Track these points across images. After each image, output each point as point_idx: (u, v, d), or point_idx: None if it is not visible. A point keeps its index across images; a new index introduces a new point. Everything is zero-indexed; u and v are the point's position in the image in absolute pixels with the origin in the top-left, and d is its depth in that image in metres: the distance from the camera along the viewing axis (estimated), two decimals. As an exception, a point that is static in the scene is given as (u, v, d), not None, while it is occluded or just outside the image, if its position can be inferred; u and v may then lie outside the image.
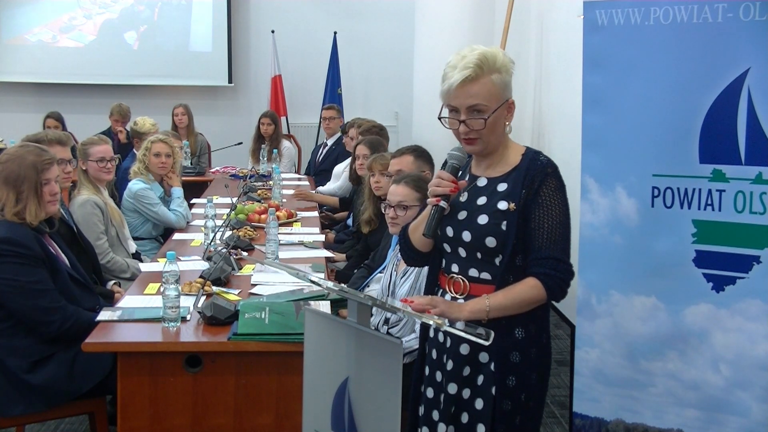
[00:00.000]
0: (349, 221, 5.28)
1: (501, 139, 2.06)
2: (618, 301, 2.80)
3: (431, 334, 2.19)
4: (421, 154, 3.81)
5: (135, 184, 4.62)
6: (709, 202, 2.59)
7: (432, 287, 2.18)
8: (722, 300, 2.59)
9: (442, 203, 2.03)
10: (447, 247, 2.11)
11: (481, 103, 1.98)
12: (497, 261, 2.01)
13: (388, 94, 8.47)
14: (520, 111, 5.40)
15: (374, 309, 2.65)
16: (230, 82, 8.58)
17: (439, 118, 2.07)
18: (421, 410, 2.19)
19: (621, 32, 2.68)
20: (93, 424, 3.14)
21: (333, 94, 8.30)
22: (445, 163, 2.12)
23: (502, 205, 2.01)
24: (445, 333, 2.10)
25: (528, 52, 6.07)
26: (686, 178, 2.62)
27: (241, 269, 3.37)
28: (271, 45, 8.44)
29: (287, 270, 2.09)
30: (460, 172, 2.12)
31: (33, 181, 2.84)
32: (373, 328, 1.86)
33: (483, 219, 2.02)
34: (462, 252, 2.07)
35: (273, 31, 8.43)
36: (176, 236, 4.35)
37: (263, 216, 4.44)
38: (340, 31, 8.42)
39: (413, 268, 2.85)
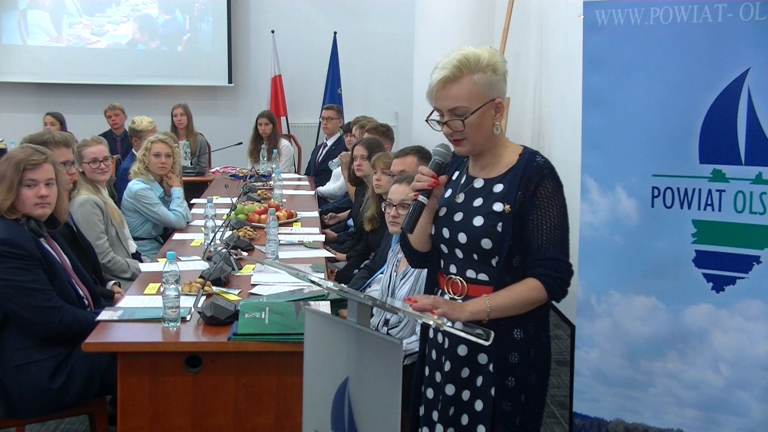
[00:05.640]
0: (350, 221, 5.29)
1: (490, 139, 2.03)
2: (618, 301, 2.80)
3: (431, 334, 2.19)
4: (424, 155, 3.81)
5: (135, 184, 4.62)
6: (709, 202, 2.59)
7: (431, 288, 2.17)
8: (722, 300, 2.58)
9: (421, 198, 2.02)
10: (444, 249, 2.10)
11: (461, 106, 1.97)
12: (494, 262, 2.01)
13: (388, 94, 8.46)
14: (520, 111, 5.43)
15: (374, 310, 2.65)
16: (230, 82, 8.58)
17: (427, 120, 2.06)
18: (422, 410, 2.19)
19: (621, 32, 2.68)
20: (93, 424, 3.14)
21: (333, 94, 8.30)
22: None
23: (498, 206, 2.00)
24: (444, 334, 2.10)
25: (528, 52, 6.06)
26: (686, 178, 2.62)
27: (241, 269, 3.37)
28: (271, 45, 8.44)
29: (287, 270, 2.09)
30: (456, 171, 2.12)
31: (10, 178, 2.81)
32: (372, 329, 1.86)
33: (478, 221, 2.01)
34: (459, 253, 2.06)
35: (273, 31, 8.43)
36: (176, 236, 4.35)
37: (263, 216, 4.44)
38: (340, 31, 8.41)
39: (413, 269, 2.85)
